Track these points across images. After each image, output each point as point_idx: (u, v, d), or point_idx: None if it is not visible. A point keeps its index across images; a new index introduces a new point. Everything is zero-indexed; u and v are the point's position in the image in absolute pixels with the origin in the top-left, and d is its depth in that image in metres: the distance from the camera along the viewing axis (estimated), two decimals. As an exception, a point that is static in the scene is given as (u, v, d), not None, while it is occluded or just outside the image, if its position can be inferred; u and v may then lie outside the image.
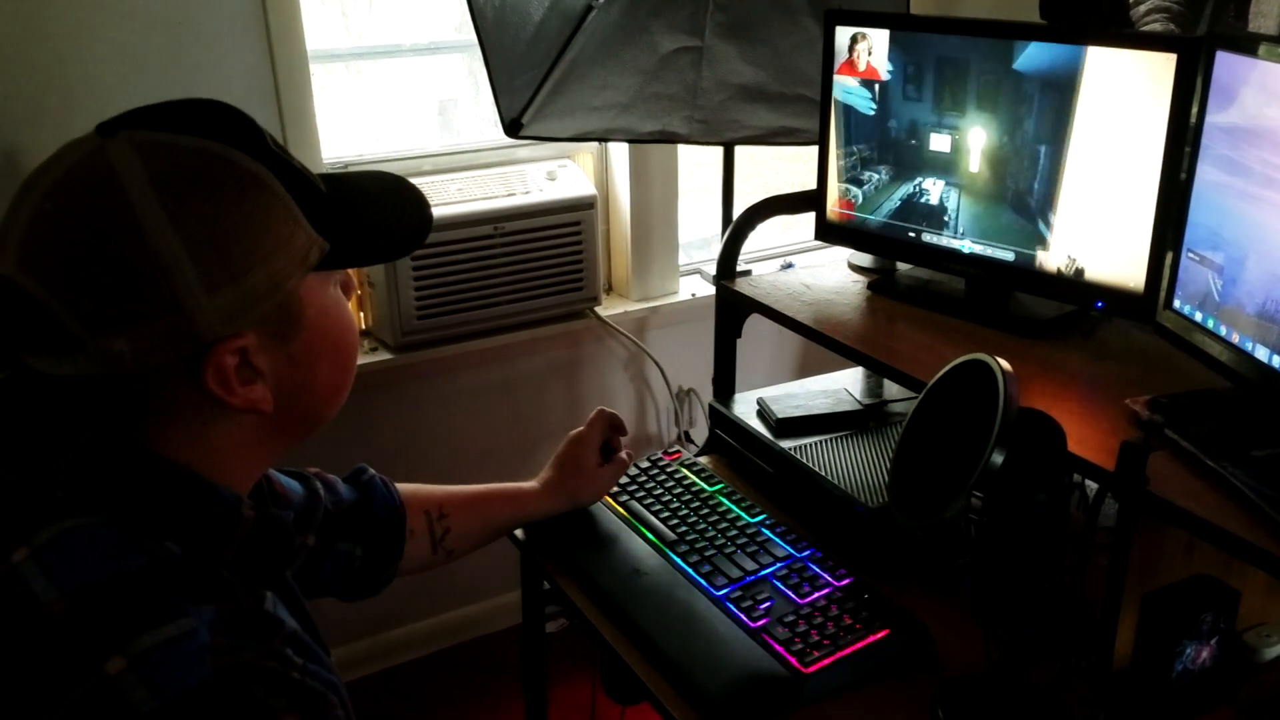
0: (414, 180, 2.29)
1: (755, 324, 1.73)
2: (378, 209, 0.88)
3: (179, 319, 0.72)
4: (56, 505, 0.73)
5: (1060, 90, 1.39)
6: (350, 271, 0.89)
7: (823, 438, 1.55)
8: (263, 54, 2.05)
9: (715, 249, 2.74)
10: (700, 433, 2.72)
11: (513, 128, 1.97)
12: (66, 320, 0.71)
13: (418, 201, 0.91)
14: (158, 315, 0.71)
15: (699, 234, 2.80)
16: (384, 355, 2.28)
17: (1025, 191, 1.47)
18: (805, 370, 2.75)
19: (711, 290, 2.64)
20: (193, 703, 0.66)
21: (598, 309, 2.50)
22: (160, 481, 0.76)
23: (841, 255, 1.82)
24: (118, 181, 0.71)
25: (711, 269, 2.70)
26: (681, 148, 2.53)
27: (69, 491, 0.73)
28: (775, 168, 2.71)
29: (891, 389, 1.68)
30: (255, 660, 0.70)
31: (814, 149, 1.71)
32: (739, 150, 2.22)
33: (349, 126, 2.36)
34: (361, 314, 2.35)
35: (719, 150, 2.23)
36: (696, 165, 2.67)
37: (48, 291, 0.71)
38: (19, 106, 1.81)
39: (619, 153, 2.52)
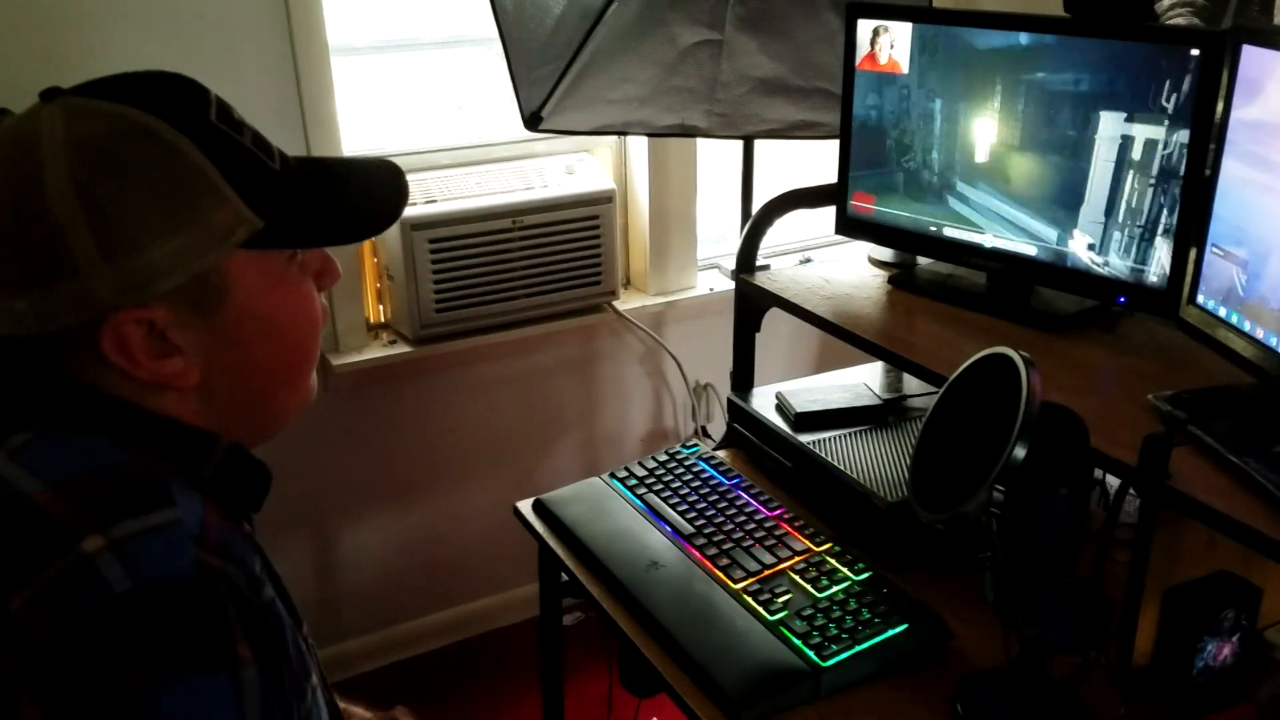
0: (432, 174, 2.28)
1: (773, 318, 1.73)
2: (340, 191, 0.86)
3: (76, 284, 0.71)
4: (30, 425, 0.74)
5: (1083, 85, 1.39)
6: (332, 258, 0.87)
7: (841, 432, 1.55)
8: (284, 47, 2.05)
9: (733, 244, 2.76)
10: (717, 428, 2.72)
11: (532, 121, 1.98)
12: None
13: (393, 186, 0.88)
14: (54, 279, 0.71)
15: (716, 229, 2.80)
16: (402, 348, 2.29)
17: (1047, 185, 1.47)
18: (823, 365, 2.75)
19: (729, 285, 2.64)
20: (168, 592, 0.66)
21: (615, 303, 2.49)
22: (131, 414, 0.76)
23: (860, 249, 1.81)
24: (36, 144, 0.71)
25: (729, 264, 2.71)
26: (701, 142, 2.52)
27: (43, 417, 0.74)
28: (782, 163, 2.71)
29: (911, 384, 1.68)
30: (234, 577, 0.70)
31: (828, 143, 1.70)
32: (760, 144, 2.22)
33: (369, 120, 2.36)
34: (380, 306, 2.36)
35: (739, 145, 2.23)
36: (717, 159, 2.67)
37: None
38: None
39: (638, 147, 2.51)
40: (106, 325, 0.73)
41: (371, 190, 0.88)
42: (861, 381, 1.68)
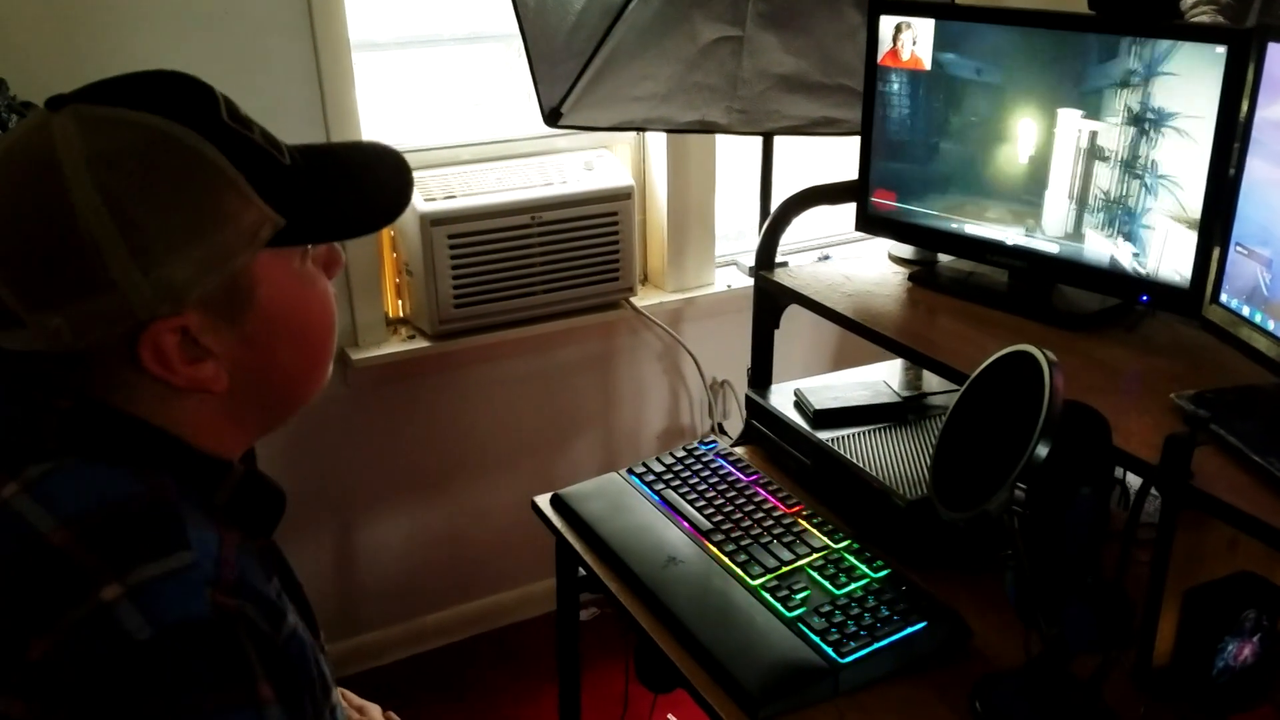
0: (452, 169, 2.29)
1: (789, 316, 1.73)
2: (349, 181, 0.85)
3: (113, 298, 0.71)
4: (47, 452, 0.73)
5: (1108, 83, 1.38)
6: (336, 246, 0.87)
7: (860, 429, 1.55)
8: (306, 43, 2.06)
9: (751, 241, 2.76)
10: (733, 425, 2.71)
11: (552, 117, 1.98)
12: (6, 297, 0.71)
13: (396, 170, 0.88)
14: (91, 294, 0.71)
15: (734, 226, 2.80)
16: (421, 343, 2.30)
17: (1071, 183, 1.46)
18: (840, 362, 2.74)
19: (747, 282, 2.64)
20: (187, 638, 0.66)
21: (633, 299, 2.50)
22: (142, 436, 0.76)
23: (879, 246, 1.81)
24: (54, 158, 0.70)
25: (747, 261, 2.70)
26: (720, 139, 2.52)
27: (58, 443, 0.74)
28: (798, 161, 2.70)
29: (930, 381, 1.68)
30: (253, 616, 0.70)
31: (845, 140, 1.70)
32: (778, 141, 2.22)
33: (391, 115, 2.37)
34: (399, 301, 2.37)
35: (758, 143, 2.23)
36: (734, 156, 2.67)
37: None
38: (61, 91, 1.84)
39: (657, 143, 2.51)
40: (145, 336, 0.73)
41: (379, 178, 0.87)
42: (881, 379, 1.67)
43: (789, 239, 1.71)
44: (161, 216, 0.72)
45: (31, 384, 0.75)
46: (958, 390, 1.15)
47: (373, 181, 0.87)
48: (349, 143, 0.90)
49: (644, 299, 2.54)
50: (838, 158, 2.75)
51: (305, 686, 0.74)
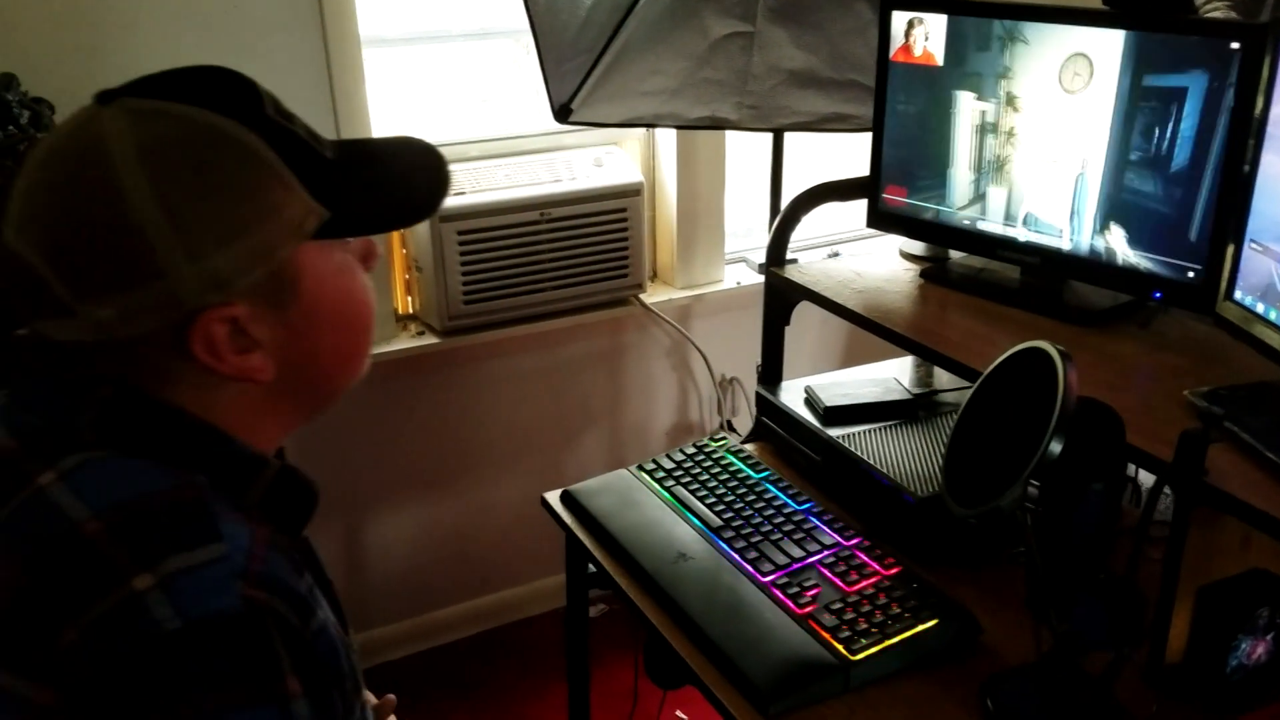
0: (461, 165, 2.30)
1: (798, 313, 1.73)
2: (389, 176, 0.86)
3: (162, 287, 0.72)
4: (84, 443, 0.74)
5: (1121, 77, 1.38)
6: (373, 242, 0.87)
7: (871, 426, 1.55)
8: (316, 39, 2.06)
9: (759, 237, 2.75)
10: (742, 422, 2.71)
11: (562, 113, 1.98)
12: (55, 287, 0.72)
13: (435, 165, 0.89)
14: (141, 283, 0.71)
15: (742, 222, 2.79)
16: (430, 339, 2.30)
17: (1082, 179, 1.45)
18: (849, 359, 2.74)
19: (756, 279, 2.64)
20: (216, 629, 0.67)
21: (642, 296, 2.50)
22: (182, 428, 0.76)
23: (889, 243, 1.81)
24: (104, 149, 0.71)
25: (755, 257, 2.70)
26: (729, 135, 2.52)
27: (97, 435, 0.74)
28: (805, 157, 2.70)
29: (941, 378, 1.67)
30: (281, 610, 0.70)
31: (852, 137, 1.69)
32: (788, 137, 2.21)
33: (400, 111, 2.37)
34: (409, 298, 2.37)
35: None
36: (742, 153, 2.66)
37: (40, 258, 0.72)
38: (73, 91, 1.84)
39: (666, 139, 2.51)
40: (196, 325, 0.74)
41: (418, 173, 0.88)
42: (891, 376, 1.67)
43: (797, 236, 1.71)
44: (210, 207, 0.72)
45: (74, 373, 0.76)
46: (968, 387, 1.14)
47: (411, 176, 0.88)
48: (388, 138, 0.91)
49: (653, 295, 2.54)
50: (845, 153, 2.75)
51: (334, 682, 0.75)
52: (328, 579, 0.87)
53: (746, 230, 2.80)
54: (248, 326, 0.76)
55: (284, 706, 0.67)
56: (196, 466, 0.75)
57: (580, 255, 2.35)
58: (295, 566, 0.76)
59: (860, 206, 1.72)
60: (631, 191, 2.36)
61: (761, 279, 2.58)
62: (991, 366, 1.10)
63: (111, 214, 0.71)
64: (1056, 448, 0.96)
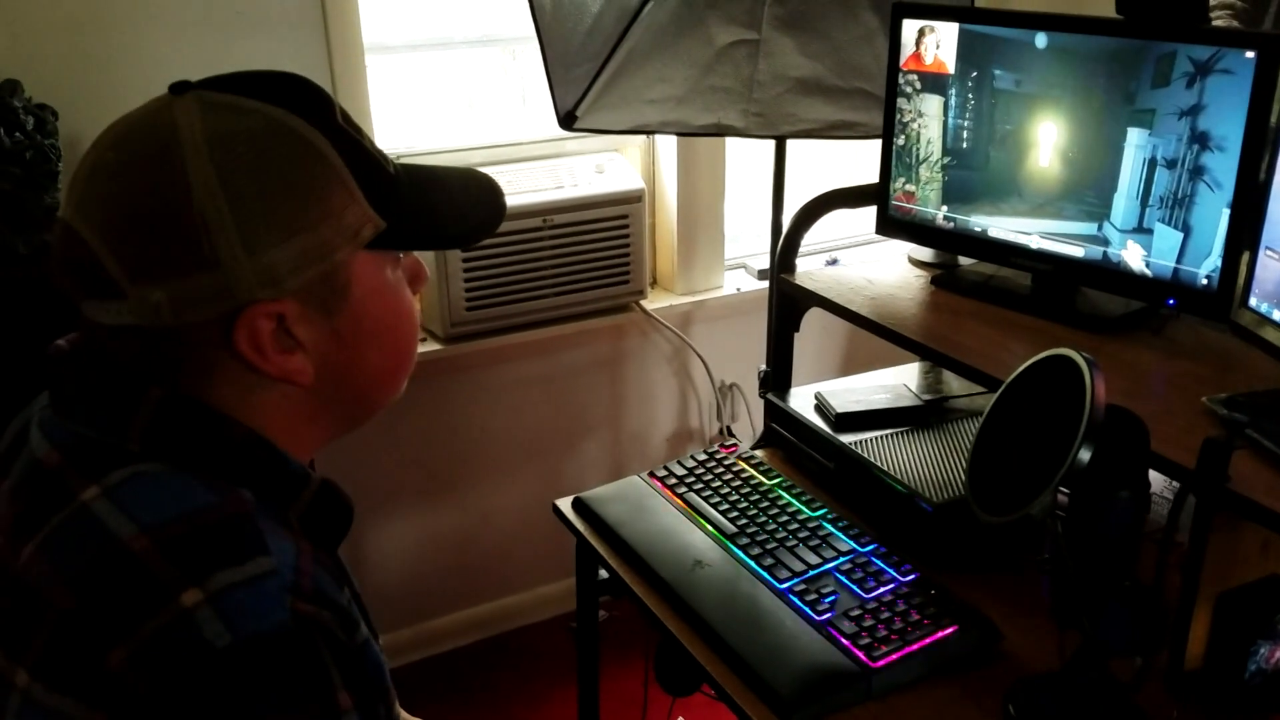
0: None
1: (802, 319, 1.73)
2: (448, 196, 0.87)
3: (216, 276, 0.72)
4: (129, 455, 0.73)
5: (1134, 85, 1.38)
6: (422, 263, 0.89)
7: (883, 433, 1.55)
8: (320, 46, 2.06)
9: (751, 244, 2.75)
10: (742, 428, 2.72)
11: (567, 120, 1.98)
12: (110, 266, 0.72)
13: (492, 193, 0.90)
14: (196, 270, 0.72)
15: (743, 229, 2.80)
16: (433, 346, 2.29)
17: (1095, 186, 1.46)
18: (850, 366, 2.75)
19: (756, 285, 2.65)
20: (267, 645, 0.66)
21: (643, 302, 2.50)
22: (231, 440, 0.76)
23: (890, 249, 1.81)
24: (175, 136, 0.72)
25: (756, 264, 2.70)
26: (730, 142, 2.52)
27: (142, 445, 0.74)
28: (805, 166, 2.70)
29: (950, 384, 1.68)
30: (330, 624, 0.70)
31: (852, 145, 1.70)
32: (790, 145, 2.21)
33: (403, 117, 2.36)
34: (411, 305, 2.36)
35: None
36: (741, 160, 2.67)
37: (97, 237, 0.72)
38: (76, 97, 1.83)
39: (667, 146, 2.52)
40: (243, 317, 0.74)
41: (474, 197, 0.90)
42: (901, 382, 1.67)
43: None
44: (271, 202, 0.73)
45: (121, 372, 0.75)
46: (978, 393, 1.15)
47: (468, 201, 0.89)
48: (452, 167, 0.92)
49: (654, 302, 2.55)
50: (842, 161, 2.76)
51: (380, 695, 0.75)
52: (358, 593, 0.87)
53: (745, 236, 2.81)
54: (293, 326, 0.76)
55: None
56: (243, 480, 0.75)
57: (582, 261, 2.36)
58: (337, 581, 0.76)
59: (858, 213, 1.72)
60: (633, 198, 2.37)
61: (762, 285, 2.59)
62: (1014, 374, 1.10)
63: (174, 200, 0.71)
64: (1085, 455, 0.96)
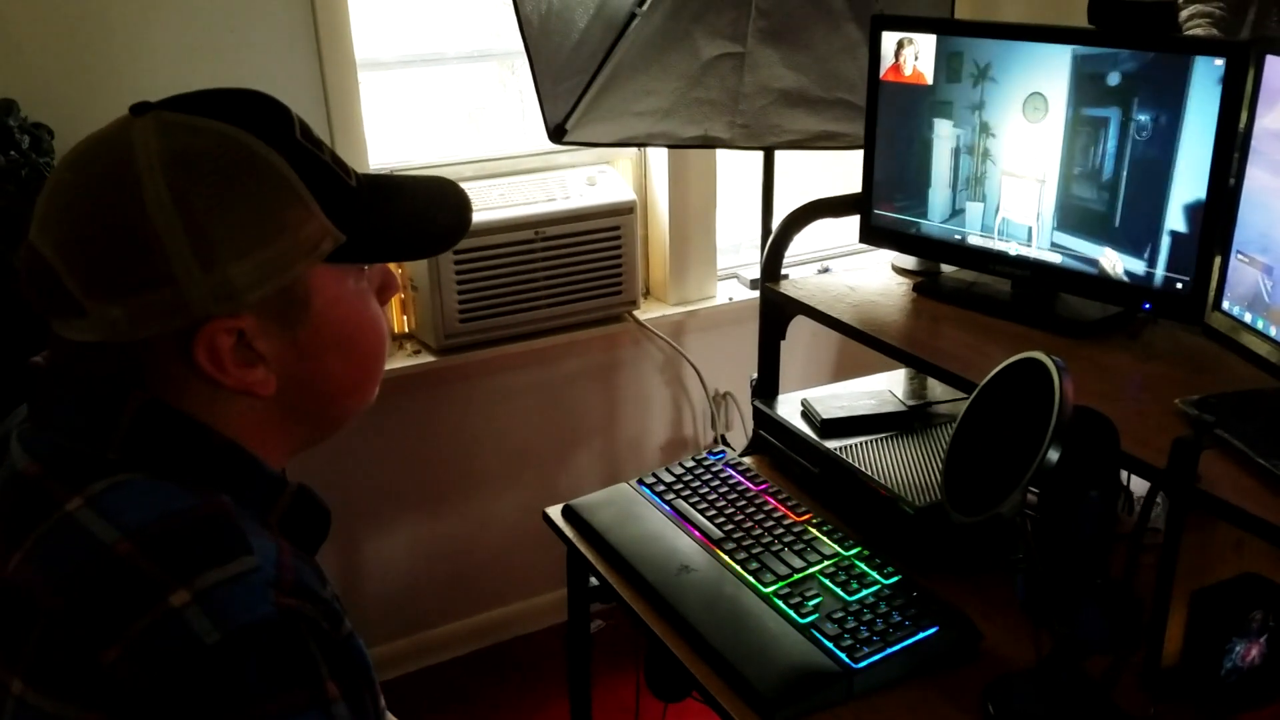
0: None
1: (790, 327, 1.75)
2: (411, 207, 0.88)
3: (172, 293, 0.73)
4: (109, 465, 0.75)
5: (1110, 93, 1.41)
6: (393, 272, 0.90)
7: (868, 438, 1.57)
8: (313, 62, 2.09)
9: (749, 254, 2.78)
10: (736, 436, 2.73)
11: (557, 134, 2.00)
12: (69, 283, 0.74)
13: (457, 204, 0.91)
14: (152, 287, 0.73)
15: (734, 239, 2.82)
16: (426, 357, 2.31)
17: (1072, 194, 1.48)
18: (839, 373, 2.77)
19: (748, 294, 2.67)
20: (254, 638, 0.68)
21: (636, 313, 2.52)
22: (208, 447, 0.78)
23: (879, 258, 1.83)
24: (130, 155, 0.73)
25: (748, 273, 2.73)
26: (720, 153, 2.55)
27: (121, 454, 0.76)
28: (793, 175, 2.73)
29: (935, 390, 1.70)
30: (314, 616, 0.72)
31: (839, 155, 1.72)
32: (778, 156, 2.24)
33: (395, 132, 2.39)
34: (405, 317, 2.38)
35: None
36: (732, 171, 2.69)
37: (56, 255, 0.74)
38: (72, 116, 1.86)
39: (658, 158, 2.54)
40: (201, 333, 0.75)
41: (437, 209, 0.90)
42: (886, 388, 1.69)
43: (789, 252, 1.73)
44: (226, 219, 0.74)
45: (94, 384, 0.77)
46: (962, 399, 1.17)
47: (432, 211, 0.90)
48: (419, 175, 0.93)
49: (647, 312, 2.57)
50: (834, 170, 2.79)
51: (366, 685, 0.76)
52: (337, 596, 0.89)
53: (736, 247, 2.83)
54: (253, 340, 0.78)
55: (326, 710, 0.69)
56: (221, 486, 0.77)
57: (574, 273, 2.38)
58: (319, 578, 0.78)
59: (848, 223, 1.75)
60: (624, 210, 2.39)
61: (754, 294, 2.61)
62: (988, 377, 1.13)
63: (129, 218, 0.73)
64: (1054, 455, 0.98)
